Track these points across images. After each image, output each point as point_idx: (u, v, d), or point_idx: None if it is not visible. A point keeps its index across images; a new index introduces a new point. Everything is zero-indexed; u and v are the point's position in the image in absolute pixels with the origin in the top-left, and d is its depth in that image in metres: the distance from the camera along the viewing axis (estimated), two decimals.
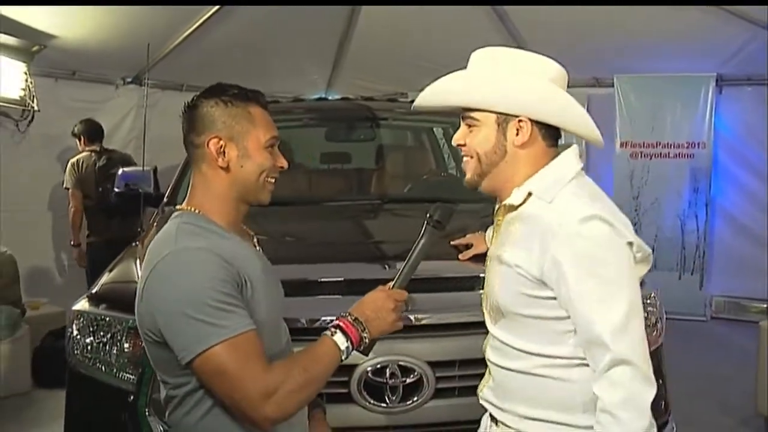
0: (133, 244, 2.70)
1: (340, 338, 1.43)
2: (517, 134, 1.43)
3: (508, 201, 1.46)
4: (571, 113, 1.45)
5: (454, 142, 1.51)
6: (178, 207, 1.51)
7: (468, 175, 1.49)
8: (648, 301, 2.22)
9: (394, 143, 4.67)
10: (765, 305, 5.82)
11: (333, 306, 1.79)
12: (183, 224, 1.43)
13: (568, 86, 1.47)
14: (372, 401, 1.94)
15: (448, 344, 1.98)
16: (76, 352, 2.15)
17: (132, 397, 2.02)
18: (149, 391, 1.99)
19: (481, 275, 2.01)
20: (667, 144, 6.11)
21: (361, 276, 2.07)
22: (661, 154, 6.13)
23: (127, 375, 2.05)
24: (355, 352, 1.47)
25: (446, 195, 3.49)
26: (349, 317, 1.47)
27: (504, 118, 1.44)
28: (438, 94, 1.51)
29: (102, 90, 5.80)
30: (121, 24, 5.06)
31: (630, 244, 1.36)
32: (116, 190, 3.43)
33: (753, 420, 3.85)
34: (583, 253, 1.33)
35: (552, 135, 1.46)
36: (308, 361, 1.39)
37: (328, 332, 1.45)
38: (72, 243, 5.09)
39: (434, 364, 1.97)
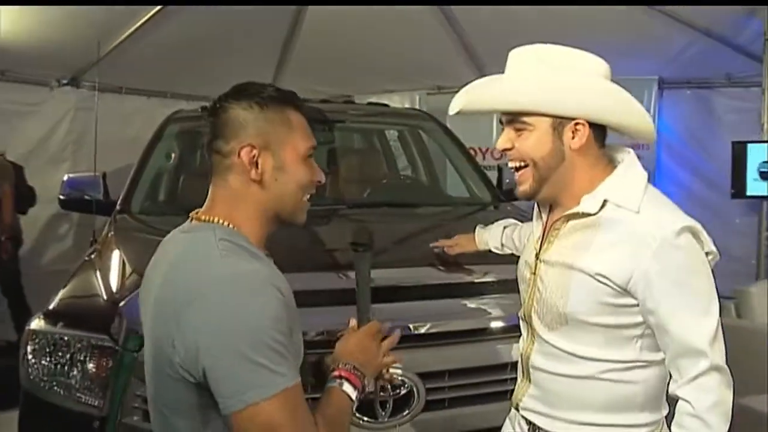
0: (87, 257, 2.51)
1: (348, 388, 1.31)
2: (573, 137, 1.36)
3: (579, 209, 1.38)
4: (630, 112, 1.40)
5: (499, 147, 1.41)
6: (200, 216, 1.29)
7: (524, 186, 1.41)
8: None
9: (348, 146, 4.58)
10: None
11: None
12: (221, 241, 1.22)
13: None
14: (362, 417, 1.84)
15: (439, 354, 1.91)
16: (31, 374, 1.97)
17: (98, 423, 1.86)
18: (118, 416, 1.83)
19: (474, 281, 1.97)
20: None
21: (315, 287, 1.96)
22: None
23: (91, 398, 1.89)
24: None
25: (408, 199, 3.47)
26: (347, 366, 1.34)
27: (559, 122, 1.36)
28: (483, 98, 1.41)
29: (35, 92, 5.51)
30: (56, 23, 4.81)
31: (707, 253, 1.36)
32: (60, 197, 3.22)
33: None
34: (679, 265, 1.31)
35: (602, 135, 1.41)
36: (338, 415, 1.27)
37: (335, 383, 1.31)
38: None
39: (425, 376, 1.88)
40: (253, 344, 1.11)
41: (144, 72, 5.84)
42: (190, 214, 1.32)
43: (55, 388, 1.94)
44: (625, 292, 1.33)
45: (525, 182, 1.41)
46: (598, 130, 1.39)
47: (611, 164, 1.42)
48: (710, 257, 1.36)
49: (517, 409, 1.54)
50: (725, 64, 5.79)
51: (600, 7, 5.18)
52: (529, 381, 1.49)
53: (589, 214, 1.37)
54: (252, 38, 6.14)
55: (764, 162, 5.08)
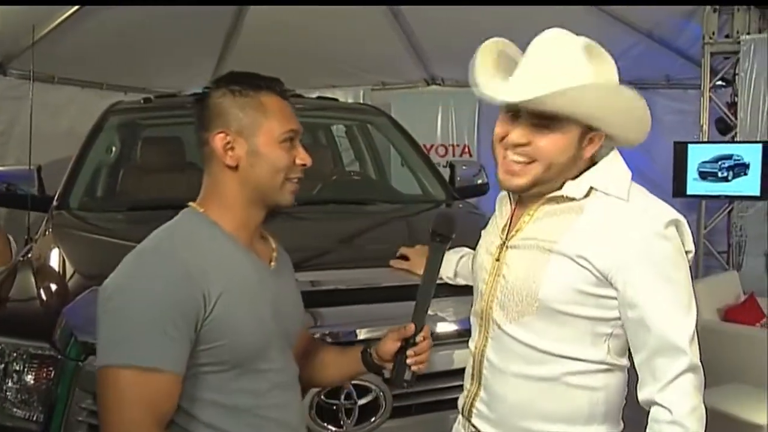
0: (22, 256, 2.33)
1: None
2: (588, 145, 1.32)
3: (563, 193, 1.33)
4: (646, 129, 1.36)
5: (514, 141, 1.30)
6: (191, 204, 1.37)
7: (521, 180, 1.33)
8: None
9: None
10: None
11: None
12: (181, 222, 1.33)
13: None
14: (326, 426, 1.74)
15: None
16: None
17: None
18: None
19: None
20: None
21: None
22: None
23: (29, 413, 1.72)
24: None
25: (361, 196, 3.38)
26: None
27: (586, 131, 1.30)
28: (534, 91, 1.24)
29: None
30: None
31: (686, 252, 1.32)
32: None
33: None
34: (666, 256, 1.26)
35: None
36: None
37: None
38: None
39: (388, 381, 1.79)
40: (129, 311, 1.19)
41: (78, 61, 5.57)
42: None
43: None
44: (605, 281, 1.27)
45: (523, 177, 1.32)
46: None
47: (592, 159, 1.37)
48: (689, 255, 1.33)
49: (465, 416, 1.46)
50: (665, 67, 5.94)
51: (545, 7, 5.21)
52: (480, 384, 1.42)
53: (572, 199, 1.32)
54: (193, 30, 5.94)
55: (704, 162, 5.23)
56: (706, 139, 5.45)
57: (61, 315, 1.74)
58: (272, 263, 1.42)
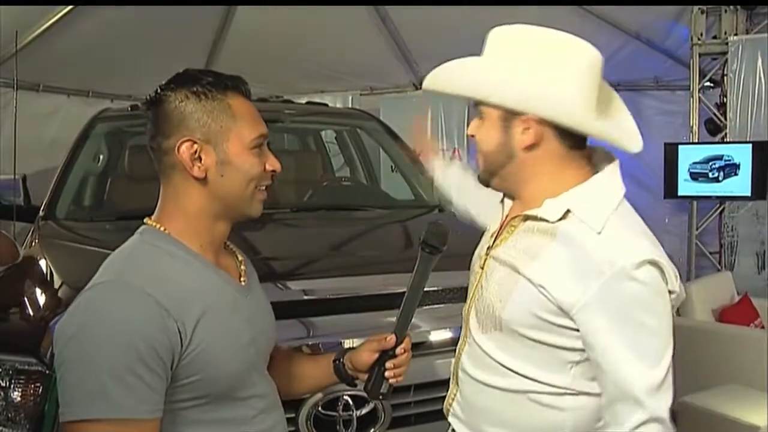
0: (7, 268, 2.27)
1: None
2: (522, 134, 1.24)
3: (538, 213, 1.25)
4: (589, 114, 1.21)
5: (469, 132, 1.33)
6: (146, 221, 1.24)
7: (482, 173, 1.34)
8: None
9: (282, 148, 4.42)
10: None
11: None
12: (140, 243, 1.19)
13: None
14: None
15: None
16: None
17: None
18: None
19: (433, 289, 1.84)
20: None
21: None
22: None
23: (15, 431, 1.67)
24: None
25: (353, 202, 3.34)
26: None
27: (506, 116, 1.24)
28: (443, 77, 1.31)
29: None
30: None
31: (670, 293, 1.19)
32: None
33: None
34: (632, 300, 1.14)
35: (575, 137, 1.25)
36: None
37: None
38: None
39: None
40: (98, 359, 1.05)
41: (63, 69, 5.50)
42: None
43: None
44: (563, 312, 1.19)
45: (479, 168, 1.35)
46: (566, 131, 1.22)
47: (592, 169, 1.28)
48: (673, 296, 1.19)
49: (444, 414, 1.44)
50: (653, 68, 5.95)
51: (531, 8, 5.20)
52: (458, 387, 1.40)
53: (545, 220, 1.24)
54: (179, 36, 5.90)
55: (694, 163, 5.23)
56: (696, 140, 5.45)
57: (49, 328, 1.69)
58: (242, 279, 1.30)
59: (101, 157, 3.25)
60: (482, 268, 1.35)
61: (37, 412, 1.65)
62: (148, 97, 1.22)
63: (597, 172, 1.28)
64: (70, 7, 5.02)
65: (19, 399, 1.68)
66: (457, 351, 1.42)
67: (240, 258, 1.34)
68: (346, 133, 4.25)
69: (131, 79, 6.05)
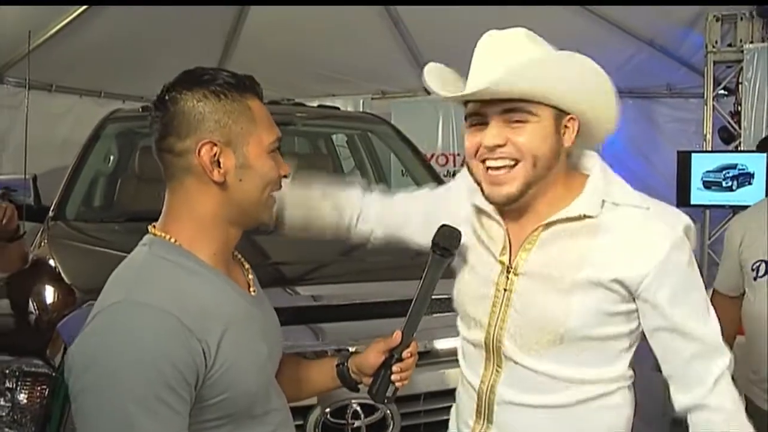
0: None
1: None
2: (565, 133, 1.23)
3: (578, 212, 1.23)
4: (612, 107, 1.26)
5: (490, 143, 1.20)
6: (151, 230, 1.16)
7: (509, 187, 1.22)
8: None
9: (293, 150, 4.40)
10: None
11: None
12: (150, 257, 1.10)
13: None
14: None
15: (413, 376, 1.75)
16: None
17: None
18: None
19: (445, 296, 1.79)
20: None
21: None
22: None
23: None
24: None
25: None
26: None
27: (559, 114, 1.21)
28: (509, 77, 1.16)
29: None
30: None
31: None
32: None
33: (658, 420, 3.93)
34: (690, 262, 1.23)
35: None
36: None
37: None
38: None
39: (399, 399, 1.73)
40: (118, 389, 0.98)
41: (76, 69, 5.52)
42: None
43: None
44: (632, 295, 1.22)
45: (512, 183, 1.22)
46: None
47: (577, 167, 1.31)
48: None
49: None
50: (666, 75, 5.91)
51: (546, 12, 5.17)
52: (489, 421, 1.31)
53: (588, 217, 1.23)
54: (191, 37, 5.91)
55: (707, 172, 5.18)
56: (709, 149, 5.40)
57: (56, 330, 1.68)
58: (252, 289, 1.25)
59: (112, 157, 3.25)
60: (506, 290, 1.29)
61: (43, 415, 1.64)
62: (156, 96, 1.15)
63: (582, 169, 1.32)
64: (83, 8, 5.04)
65: (25, 401, 1.67)
66: (484, 384, 1.32)
67: (246, 266, 1.29)
68: (357, 137, 4.23)
69: (142, 80, 6.05)
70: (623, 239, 1.22)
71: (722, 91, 5.51)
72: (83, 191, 2.84)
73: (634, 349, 1.30)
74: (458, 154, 6.65)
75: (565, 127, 1.23)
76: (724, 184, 5.12)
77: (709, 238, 5.50)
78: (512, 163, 1.21)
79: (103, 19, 5.19)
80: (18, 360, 1.68)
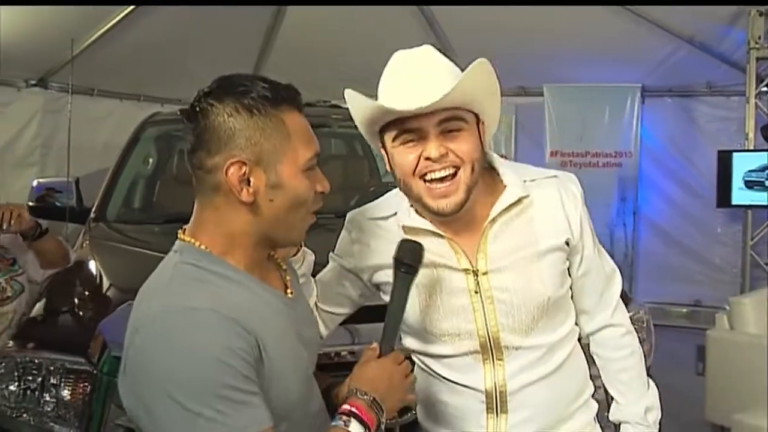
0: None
1: (356, 428, 1.07)
2: (484, 133, 1.32)
3: (515, 197, 1.33)
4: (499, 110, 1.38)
5: (435, 155, 1.23)
6: (181, 235, 1.12)
7: (455, 196, 1.26)
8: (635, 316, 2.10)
9: (329, 153, 4.43)
10: (686, 309, 6.00)
11: None
12: (182, 264, 1.06)
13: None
14: None
15: None
16: None
17: None
18: None
19: None
20: (596, 153, 6.16)
21: None
22: (590, 163, 6.15)
23: (65, 428, 1.71)
24: None
25: None
26: (364, 398, 1.11)
27: (476, 119, 1.30)
28: (423, 94, 1.21)
29: (2, 93, 5.23)
30: (23, 22, 4.58)
31: None
32: (29, 203, 3.02)
33: (699, 427, 3.86)
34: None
35: None
36: None
37: (340, 422, 1.08)
38: None
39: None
40: (190, 390, 0.95)
41: (116, 74, 5.63)
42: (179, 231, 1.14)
43: (25, 416, 1.76)
44: (572, 249, 1.38)
45: (457, 191, 1.26)
46: None
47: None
48: None
49: None
50: (707, 73, 5.80)
51: (584, 12, 5.12)
52: (504, 412, 1.35)
53: (525, 197, 1.34)
54: (229, 39, 5.99)
55: (750, 171, 5.07)
56: (751, 147, 5.28)
57: (97, 329, 1.73)
58: (289, 291, 1.20)
59: (151, 160, 3.31)
60: (477, 292, 1.32)
61: (85, 412, 1.68)
62: (187, 107, 1.09)
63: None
64: (123, 14, 5.14)
65: (68, 397, 1.72)
66: (491, 384, 1.34)
67: (284, 267, 1.24)
68: None
69: (181, 83, 6.15)
70: (553, 206, 1.36)
71: (765, 88, 5.39)
72: (123, 193, 2.90)
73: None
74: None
75: (483, 128, 1.32)
76: (766, 183, 5.01)
77: (752, 239, 5.39)
78: (453, 171, 1.26)
79: (142, 23, 5.30)
80: (61, 357, 1.73)
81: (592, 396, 1.47)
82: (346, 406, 1.10)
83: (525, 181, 1.35)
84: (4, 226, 2.00)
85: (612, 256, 1.55)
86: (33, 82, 5.38)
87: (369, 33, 5.93)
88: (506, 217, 1.33)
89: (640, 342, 2.10)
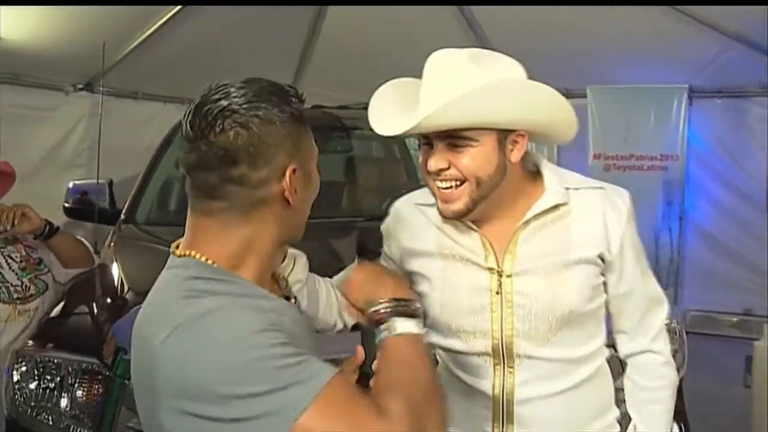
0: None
1: (406, 325, 1.06)
2: (513, 150, 1.29)
3: (551, 203, 1.32)
4: (571, 119, 1.33)
5: (434, 168, 1.25)
6: (179, 251, 1.06)
7: (457, 204, 1.28)
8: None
9: (366, 155, 4.43)
10: (735, 318, 5.80)
11: None
12: (190, 280, 1.00)
13: None
14: None
15: None
16: (17, 400, 1.83)
17: None
18: None
19: None
20: (641, 156, 6.00)
21: None
22: (634, 166, 6.00)
23: (80, 428, 1.74)
24: None
25: None
26: (388, 305, 1.09)
27: (504, 134, 1.27)
28: (442, 115, 1.20)
29: (50, 97, 5.39)
30: (70, 26, 4.72)
31: None
32: (65, 204, 3.09)
33: None
34: (635, 229, 1.38)
35: None
36: (409, 368, 1.01)
37: (383, 334, 1.07)
38: None
39: None
40: (249, 376, 0.89)
41: (159, 77, 5.75)
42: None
43: (43, 414, 1.80)
44: (607, 266, 1.35)
45: (459, 200, 1.28)
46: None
47: (525, 168, 1.38)
48: None
49: None
50: (758, 72, 5.59)
51: (627, 10, 5.00)
52: (510, 422, 1.34)
53: (562, 205, 1.33)
54: (271, 41, 6.05)
55: None
56: None
57: (110, 332, 1.75)
58: (292, 300, 1.22)
59: None
60: (500, 293, 1.33)
61: (98, 413, 1.70)
62: (209, 124, 0.99)
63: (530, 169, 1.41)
64: (165, 18, 5.24)
65: (83, 398, 1.75)
66: (498, 392, 1.34)
67: (286, 282, 1.26)
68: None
69: None
70: (593, 217, 1.33)
71: None
72: (153, 195, 2.94)
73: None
74: None
75: (515, 141, 1.28)
76: None
77: None
78: (457, 183, 1.27)
79: (185, 26, 5.39)
80: (76, 358, 1.76)
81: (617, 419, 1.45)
82: (377, 317, 1.10)
83: (568, 189, 1.34)
84: (8, 227, 2.02)
85: (657, 262, 1.58)
86: (80, 86, 5.53)
87: (409, 33, 5.91)
88: (540, 221, 1.33)
89: (673, 354, 2.07)
